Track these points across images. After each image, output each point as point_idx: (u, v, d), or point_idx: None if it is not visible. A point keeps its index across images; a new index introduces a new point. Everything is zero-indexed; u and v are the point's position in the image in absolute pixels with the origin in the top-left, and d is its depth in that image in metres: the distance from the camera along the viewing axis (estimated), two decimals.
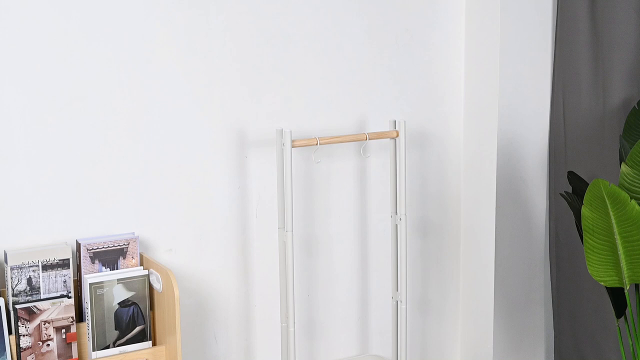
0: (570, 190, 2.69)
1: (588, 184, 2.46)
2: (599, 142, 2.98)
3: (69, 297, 2.39)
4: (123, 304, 2.45)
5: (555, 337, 3.23)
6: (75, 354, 2.40)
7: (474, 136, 3.12)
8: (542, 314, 3.27)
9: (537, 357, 3.30)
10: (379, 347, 3.11)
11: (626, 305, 2.59)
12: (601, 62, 2.96)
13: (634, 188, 2.44)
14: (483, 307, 3.18)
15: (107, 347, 2.44)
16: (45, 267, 2.37)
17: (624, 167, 2.45)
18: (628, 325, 2.61)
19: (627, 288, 2.49)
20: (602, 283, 2.50)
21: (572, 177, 2.66)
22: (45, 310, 2.35)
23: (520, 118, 3.07)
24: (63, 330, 2.38)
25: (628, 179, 2.44)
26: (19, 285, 2.34)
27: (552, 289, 3.21)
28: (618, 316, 2.63)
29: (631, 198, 2.37)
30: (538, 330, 3.28)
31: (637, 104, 2.74)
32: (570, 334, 3.17)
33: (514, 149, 3.08)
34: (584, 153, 3.03)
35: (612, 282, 2.49)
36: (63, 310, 2.37)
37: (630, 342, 2.59)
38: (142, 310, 2.47)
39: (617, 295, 2.61)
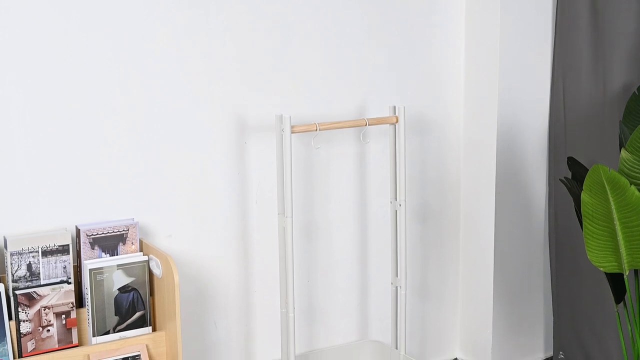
0: (570, 176, 2.69)
1: (588, 170, 2.46)
2: (599, 127, 2.98)
3: (69, 283, 2.40)
4: (123, 289, 2.45)
5: (555, 322, 3.24)
6: (75, 340, 2.40)
7: (473, 122, 3.12)
8: (541, 299, 3.28)
9: (536, 342, 3.31)
10: (378, 332, 3.11)
11: (625, 291, 2.59)
12: (601, 48, 2.95)
13: (634, 174, 2.44)
14: (482, 292, 3.18)
15: (107, 332, 2.44)
16: (45, 253, 2.37)
17: (623, 153, 2.45)
18: (627, 311, 2.61)
19: (627, 274, 2.49)
20: (601, 269, 2.50)
21: (572, 162, 2.66)
22: (45, 296, 2.35)
23: (520, 104, 3.07)
24: (63, 316, 2.38)
25: (628, 164, 2.44)
26: (19, 271, 2.34)
27: (551, 275, 3.22)
28: (617, 302, 2.64)
29: (631, 184, 2.37)
30: (537, 315, 3.29)
31: (637, 89, 2.74)
32: (569, 319, 3.17)
33: (514, 134, 3.08)
34: (584, 139, 3.02)
35: (612, 268, 2.49)
36: (63, 295, 2.38)
37: (630, 328, 2.59)
38: (142, 296, 2.48)
39: (616, 281, 2.61)
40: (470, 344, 3.28)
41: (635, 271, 2.58)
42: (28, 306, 2.33)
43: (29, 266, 2.35)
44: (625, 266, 2.47)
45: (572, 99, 3.04)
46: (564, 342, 3.21)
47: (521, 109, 3.08)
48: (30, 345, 2.34)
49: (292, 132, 2.60)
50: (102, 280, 2.42)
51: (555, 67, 3.09)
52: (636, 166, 2.44)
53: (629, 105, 2.71)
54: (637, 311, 2.59)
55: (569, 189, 2.65)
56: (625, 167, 2.44)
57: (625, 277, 2.52)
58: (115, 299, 2.44)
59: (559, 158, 3.09)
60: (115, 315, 2.45)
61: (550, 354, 3.32)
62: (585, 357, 3.14)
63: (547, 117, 3.13)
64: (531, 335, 3.29)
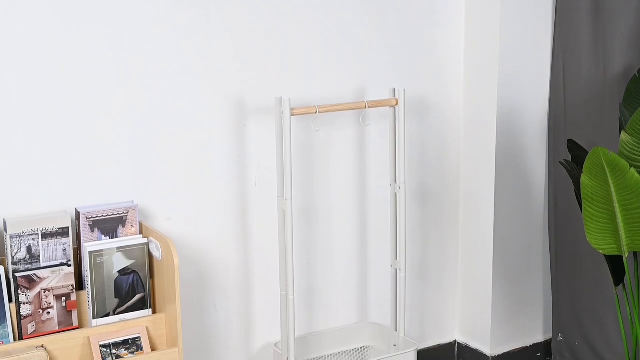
0: (570, 159, 2.68)
1: (588, 152, 2.46)
2: (599, 110, 2.97)
3: (69, 266, 2.40)
4: (123, 272, 2.45)
5: (554, 304, 3.24)
6: (75, 322, 2.41)
7: (473, 104, 3.12)
8: (540, 281, 3.28)
9: (535, 324, 3.31)
10: (378, 315, 3.12)
11: (624, 273, 2.60)
12: (602, 30, 2.94)
13: (634, 156, 2.44)
14: (482, 275, 3.19)
15: (107, 314, 2.45)
16: (45, 236, 2.37)
17: (623, 135, 2.44)
18: (626, 293, 2.62)
19: (626, 256, 2.49)
20: (600, 251, 2.50)
21: (572, 145, 2.66)
22: (45, 278, 2.36)
23: (521, 86, 3.06)
24: (63, 298, 2.38)
25: (628, 147, 2.44)
26: (18, 254, 2.34)
27: (550, 257, 3.22)
28: (616, 284, 2.64)
29: (631, 166, 2.37)
30: (536, 297, 3.29)
31: (638, 71, 2.73)
32: (568, 301, 3.18)
33: (514, 116, 3.07)
34: (584, 121, 3.02)
35: (611, 250, 2.49)
36: (63, 278, 2.38)
37: (629, 310, 2.60)
38: (141, 278, 2.48)
39: (615, 264, 2.62)
40: (469, 327, 3.29)
41: (635, 254, 2.58)
42: (28, 288, 2.34)
43: (29, 249, 2.36)
44: (625, 249, 2.47)
45: (572, 81, 3.04)
46: (563, 324, 3.22)
47: (521, 92, 3.07)
48: (30, 328, 2.35)
49: (291, 115, 2.60)
50: (102, 262, 2.42)
51: (555, 49, 3.08)
52: (636, 149, 2.43)
53: (630, 87, 2.70)
54: (636, 294, 2.60)
55: (568, 172, 2.65)
56: (625, 149, 2.44)
57: (624, 259, 2.52)
58: (115, 281, 2.44)
59: (558, 140, 3.09)
60: (115, 297, 2.45)
61: (549, 336, 3.33)
62: (584, 340, 3.15)
63: (547, 99, 3.12)
64: (530, 318, 3.30)
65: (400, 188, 2.83)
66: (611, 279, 2.66)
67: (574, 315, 3.17)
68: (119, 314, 2.46)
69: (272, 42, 2.76)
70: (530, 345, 3.30)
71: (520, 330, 3.27)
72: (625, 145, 2.44)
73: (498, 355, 3.22)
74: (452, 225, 3.24)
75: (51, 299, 2.37)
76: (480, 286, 3.20)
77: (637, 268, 2.58)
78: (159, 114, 2.61)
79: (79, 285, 2.46)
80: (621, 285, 2.65)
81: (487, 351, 3.22)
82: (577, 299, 3.15)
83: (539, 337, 3.33)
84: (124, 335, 2.43)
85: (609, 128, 2.90)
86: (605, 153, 2.35)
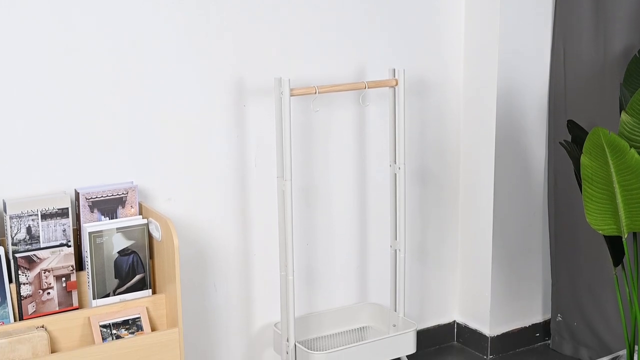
0: (570, 139, 2.68)
1: (588, 133, 2.45)
2: (599, 90, 2.97)
3: (69, 246, 2.40)
4: (122, 252, 2.46)
5: (553, 285, 3.25)
6: (75, 302, 2.42)
7: (473, 84, 3.11)
8: (540, 262, 3.29)
9: (534, 305, 3.32)
10: (377, 295, 3.13)
11: (624, 253, 2.60)
12: (602, 10, 2.93)
13: (634, 137, 2.43)
14: (481, 255, 3.19)
15: (107, 295, 2.45)
16: (45, 216, 2.37)
17: (624, 116, 2.44)
18: (625, 274, 2.62)
19: (625, 237, 2.50)
20: (600, 232, 2.50)
21: (572, 125, 2.65)
22: (45, 259, 2.36)
23: (521, 66, 3.05)
24: (63, 279, 2.39)
25: (628, 127, 2.44)
26: (18, 234, 2.34)
27: (550, 238, 3.23)
28: (615, 265, 2.65)
29: (631, 147, 2.36)
30: (536, 278, 3.30)
31: (638, 52, 2.72)
32: (567, 282, 3.19)
33: (514, 97, 3.06)
34: (584, 101, 3.01)
35: (611, 231, 2.49)
36: (63, 258, 2.38)
37: (628, 291, 2.60)
38: (141, 259, 2.48)
39: (615, 244, 2.62)
40: (468, 307, 3.30)
41: (634, 234, 2.58)
42: (28, 269, 2.34)
43: (29, 229, 2.36)
44: (624, 229, 2.47)
45: (572, 62, 3.03)
46: (562, 305, 3.23)
47: (521, 72, 3.06)
48: (30, 308, 2.35)
49: (291, 95, 2.59)
50: (102, 243, 2.42)
51: (555, 29, 3.07)
52: (636, 129, 2.43)
53: (630, 67, 2.70)
54: (635, 274, 2.60)
55: (568, 152, 2.64)
56: (625, 130, 2.44)
57: (624, 240, 2.52)
58: (115, 262, 2.45)
59: (558, 121, 3.08)
60: (115, 278, 2.45)
61: (548, 316, 3.34)
62: (583, 320, 3.16)
63: (547, 79, 3.12)
64: (529, 298, 3.30)
65: (399, 169, 2.83)
66: (610, 259, 2.67)
67: (573, 296, 3.18)
68: (119, 294, 2.46)
69: (272, 22, 2.75)
70: (529, 326, 3.31)
71: (519, 310, 3.28)
72: (625, 126, 2.44)
73: (497, 336, 3.23)
74: (452, 205, 3.24)
75: (51, 280, 2.37)
76: (480, 267, 3.20)
77: (637, 249, 2.59)
78: (158, 95, 2.61)
79: (79, 265, 2.46)
80: (620, 266, 2.65)
81: (487, 331, 3.23)
82: (576, 280, 3.16)
83: (538, 318, 3.34)
84: (124, 316, 2.44)
85: (609, 108, 2.90)
86: (605, 133, 2.35)
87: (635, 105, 2.41)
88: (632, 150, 2.35)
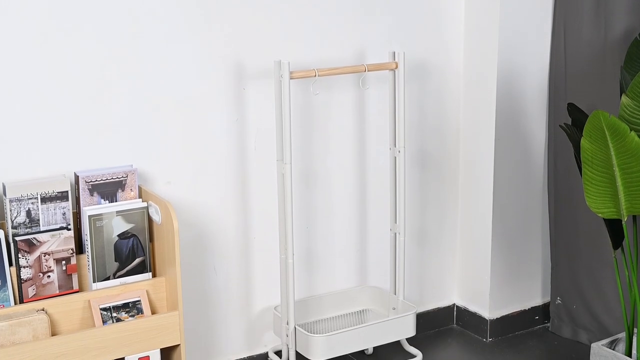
0: (570, 122, 2.68)
1: (588, 116, 2.45)
2: (600, 73, 2.96)
3: (69, 229, 2.40)
4: (122, 235, 2.46)
5: (552, 268, 3.26)
6: (76, 285, 2.42)
7: (473, 67, 3.10)
8: (539, 245, 3.29)
9: (533, 288, 3.33)
10: (377, 278, 3.13)
11: (623, 236, 2.60)
12: None
13: (634, 120, 2.43)
14: (481, 239, 3.19)
15: (108, 278, 2.46)
16: (44, 200, 2.37)
17: (624, 99, 2.44)
18: (625, 257, 2.62)
19: (625, 219, 2.50)
20: (600, 215, 2.51)
21: (572, 108, 2.65)
22: (45, 242, 2.36)
23: (521, 49, 3.05)
24: (63, 262, 2.39)
25: (628, 110, 2.43)
26: (18, 218, 2.34)
27: (549, 221, 3.23)
28: (615, 247, 2.65)
29: (631, 130, 2.36)
30: (535, 261, 3.30)
31: (639, 35, 2.71)
32: (567, 265, 3.19)
33: (514, 79, 3.06)
34: (584, 84, 3.01)
35: (610, 214, 2.50)
36: (63, 242, 2.38)
37: (627, 273, 2.61)
38: (141, 242, 2.48)
39: (614, 227, 2.62)
40: (468, 290, 3.30)
41: (634, 217, 2.58)
42: (28, 252, 2.34)
43: (28, 213, 2.36)
44: (624, 212, 2.47)
45: (573, 44, 3.02)
46: (561, 288, 3.23)
47: (522, 55, 3.05)
48: (31, 291, 2.36)
49: (290, 78, 2.59)
50: (102, 226, 2.42)
51: (556, 11, 3.06)
52: (636, 112, 2.43)
53: (630, 50, 2.69)
54: (634, 257, 2.61)
55: (568, 135, 2.64)
56: (625, 113, 2.44)
57: (623, 223, 2.53)
58: (115, 245, 2.45)
59: (559, 104, 3.08)
60: (115, 261, 2.46)
61: (547, 299, 3.35)
62: (583, 303, 3.17)
63: (547, 62, 3.11)
64: (529, 281, 3.31)
65: (399, 152, 2.83)
66: (610, 242, 2.67)
67: (573, 279, 3.18)
68: (119, 277, 2.47)
69: (272, 5, 2.74)
70: (528, 309, 3.32)
71: (518, 293, 3.29)
72: (625, 109, 2.43)
73: (496, 319, 3.24)
74: (452, 189, 3.24)
75: (51, 263, 2.37)
76: (480, 250, 3.21)
77: (636, 231, 2.59)
78: (158, 78, 2.60)
79: (79, 249, 2.46)
80: (620, 249, 2.66)
81: (486, 314, 3.24)
82: (575, 263, 3.16)
83: (537, 301, 3.35)
84: (124, 299, 2.44)
85: (610, 91, 2.89)
86: (605, 116, 2.34)
87: (636, 88, 2.40)
88: (632, 133, 2.35)
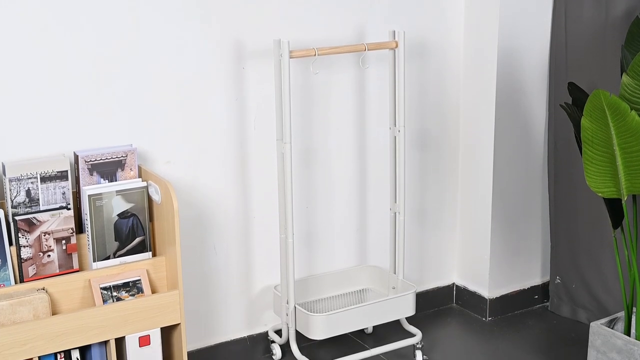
0: (570, 102, 2.67)
1: (588, 95, 2.44)
2: (600, 52, 2.95)
3: (68, 209, 2.40)
4: (122, 215, 2.46)
5: (552, 247, 3.26)
6: (76, 265, 2.42)
7: (474, 46, 3.09)
8: (539, 225, 3.29)
9: (533, 267, 3.33)
10: (377, 258, 3.14)
11: (623, 216, 2.60)
12: None
13: (635, 99, 2.42)
14: (481, 218, 3.19)
15: (108, 257, 2.46)
16: (44, 179, 2.37)
17: (625, 78, 2.43)
18: (624, 236, 2.63)
19: (625, 199, 2.50)
20: (599, 194, 2.51)
21: (573, 87, 2.64)
22: (45, 221, 2.36)
23: (522, 28, 3.03)
24: (63, 242, 2.39)
25: (629, 89, 2.43)
26: (17, 197, 2.34)
27: (549, 201, 3.23)
28: (615, 227, 2.65)
29: (631, 109, 2.36)
30: (535, 241, 3.31)
31: None
32: (566, 244, 3.20)
33: (514, 59, 3.05)
34: (585, 63, 3.00)
35: (610, 193, 2.49)
36: (63, 221, 2.38)
37: (626, 253, 2.61)
38: (141, 221, 2.48)
39: (614, 207, 2.62)
40: (468, 270, 3.31)
41: (634, 196, 2.58)
42: (28, 232, 2.34)
43: (28, 192, 2.36)
44: (624, 191, 2.47)
45: (573, 23, 3.00)
46: (560, 267, 3.24)
47: (522, 33, 3.04)
48: (31, 270, 2.36)
49: (290, 57, 2.58)
50: (102, 206, 2.42)
51: None
52: (637, 91, 2.42)
53: (632, 29, 2.68)
54: (634, 236, 2.61)
55: (569, 115, 2.63)
56: (626, 92, 2.43)
57: (623, 202, 2.53)
58: (115, 224, 2.45)
59: (559, 83, 3.07)
60: (115, 240, 2.46)
61: (547, 279, 3.36)
62: (582, 282, 3.17)
63: (548, 41, 3.10)
64: (528, 261, 3.32)
65: (399, 131, 2.82)
66: (610, 222, 2.67)
67: (572, 259, 3.19)
68: (119, 257, 2.47)
69: None
70: (528, 288, 3.32)
71: (518, 273, 3.30)
72: (626, 88, 2.43)
73: (496, 298, 3.25)
74: (452, 168, 3.24)
75: (51, 242, 2.37)
76: (479, 229, 3.21)
77: (636, 211, 2.59)
78: (157, 57, 2.59)
79: (79, 228, 2.46)
80: (619, 229, 2.66)
81: (485, 294, 3.24)
82: (575, 242, 3.16)
83: (536, 280, 3.35)
84: (124, 278, 2.45)
85: (610, 70, 2.88)
86: (606, 96, 2.34)
87: (637, 67, 2.40)
88: (633, 112, 2.34)
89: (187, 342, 2.70)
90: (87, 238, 2.43)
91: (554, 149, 3.15)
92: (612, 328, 2.70)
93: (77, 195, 2.46)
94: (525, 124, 3.15)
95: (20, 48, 2.39)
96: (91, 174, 2.45)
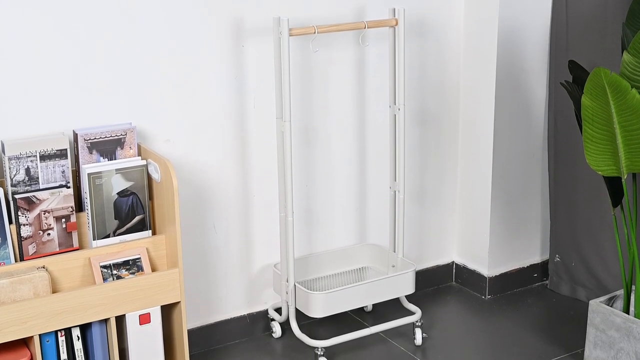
0: (571, 80, 2.66)
1: (589, 73, 2.43)
2: (601, 30, 2.94)
3: (68, 187, 2.40)
4: (122, 193, 2.46)
5: (551, 226, 3.26)
6: (76, 243, 2.42)
7: (474, 24, 3.08)
8: (539, 203, 3.30)
9: (532, 245, 3.34)
10: (376, 236, 3.14)
11: (623, 194, 2.60)
12: None
13: (635, 77, 2.42)
14: (480, 196, 3.20)
15: (108, 236, 2.46)
16: (43, 158, 2.37)
17: (625, 56, 2.42)
18: (624, 214, 2.63)
19: (625, 177, 2.50)
20: (599, 172, 2.50)
21: (573, 66, 2.63)
22: (44, 200, 2.36)
23: (522, 5, 3.02)
24: (63, 220, 2.39)
25: (629, 67, 2.42)
26: (17, 176, 2.34)
27: (549, 179, 3.23)
28: (614, 205, 2.65)
29: (632, 87, 2.35)
30: (534, 219, 3.31)
31: None
32: (566, 223, 3.20)
33: (515, 36, 3.04)
34: (586, 41, 2.99)
35: (610, 172, 2.49)
36: (62, 200, 2.38)
37: (626, 231, 2.61)
38: (141, 200, 2.48)
39: (614, 185, 2.62)
40: (467, 248, 3.32)
41: (634, 175, 2.58)
42: (28, 210, 2.34)
43: (27, 170, 2.35)
44: (624, 170, 2.47)
45: (574, 1, 2.99)
46: (560, 245, 3.24)
47: (523, 11, 3.03)
48: (31, 249, 2.36)
49: (290, 35, 2.57)
50: (101, 184, 2.42)
51: None
52: (638, 69, 2.41)
53: (633, 7, 2.66)
54: (633, 215, 2.61)
55: (569, 93, 2.63)
56: (627, 70, 2.42)
57: (623, 180, 2.52)
58: (115, 203, 2.45)
59: (560, 61, 3.06)
60: (115, 219, 2.46)
61: (546, 257, 3.36)
62: (581, 260, 3.18)
63: (549, 19, 3.08)
64: (528, 239, 3.32)
65: (399, 110, 2.82)
66: (609, 200, 2.67)
67: (572, 237, 3.19)
68: (119, 235, 2.47)
69: None
70: (527, 266, 3.33)
71: (517, 251, 3.30)
72: (627, 66, 2.42)
73: (495, 276, 3.26)
74: (451, 147, 3.23)
75: (51, 221, 2.38)
76: (479, 208, 3.21)
77: (636, 189, 2.59)
78: (156, 35, 2.58)
79: (79, 207, 2.46)
80: (619, 207, 2.66)
81: (485, 272, 3.25)
82: (574, 221, 3.17)
83: (536, 258, 3.36)
84: (124, 256, 2.45)
85: (611, 48, 2.87)
86: (606, 74, 2.33)
87: (637, 45, 2.39)
88: (634, 90, 2.34)
89: (187, 320, 2.70)
90: (86, 216, 2.43)
91: (554, 127, 3.15)
92: (611, 306, 2.70)
93: (76, 174, 2.46)
94: (525, 102, 3.14)
95: (18, 25, 2.38)
96: (90, 153, 2.45)
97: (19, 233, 2.34)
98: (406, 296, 3.01)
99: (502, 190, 3.19)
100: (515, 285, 3.31)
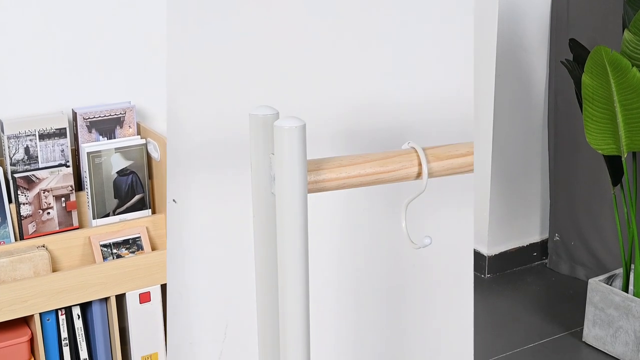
0: (572, 58, 2.65)
1: (589, 52, 2.43)
2: (602, 8, 2.92)
3: (67, 166, 2.40)
4: (121, 172, 2.46)
5: (551, 205, 3.26)
6: (75, 222, 2.43)
7: (474, 2, 3.06)
8: (538, 182, 3.30)
9: (532, 224, 3.34)
10: None
11: (623, 173, 2.60)
12: None
13: (636, 55, 2.41)
14: (480, 175, 3.19)
15: (107, 215, 2.46)
16: (42, 137, 2.36)
17: (626, 34, 2.41)
18: (624, 193, 2.63)
19: (625, 156, 2.49)
20: (599, 151, 2.50)
21: (574, 44, 2.62)
22: (44, 179, 2.36)
23: None
24: (63, 199, 2.39)
25: (630, 46, 2.41)
26: (16, 155, 2.34)
27: (549, 158, 3.23)
28: (614, 184, 2.65)
29: (633, 65, 2.34)
30: (534, 198, 3.31)
31: None
32: (565, 201, 3.20)
33: (516, 14, 3.02)
34: (587, 19, 2.97)
35: (610, 151, 2.49)
36: (62, 179, 2.38)
37: (625, 210, 2.62)
38: (140, 179, 2.48)
39: (614, 164, 2.62)
40: None
41: (634, 154, 2.58)
42: (27, 189, 2.34)
43: (27, 149, 2.35)
44: (624, 149, 2.47)
45: None
46: (559, 224, 3.25)
47: None
48: (31, 228, 2.37)
49: None
50: (101, 163, 2.42)
51: None
52: (638, 48, 2.40)
53: None
54: (633, 194, 2.61)
55: (570, 71, 2.62)
56: (627, 48, 2.41)
57: (623, 159, 2.52)
58: (114, 182, 2.45)
59: (560, 39, 3.05)
60: (115, 198, 2.46)
61: (545, 236, 3.36)
62: (581, 239, 3.18)
63: None
64: (527, 218, 3.32)
65: None
66: (609, 179, 2.67)
67: (571, 216, 3.19)
68: (118, 214, 2.47)
69: None
70: (526, 245, 3.34)
71: (517, 230, 3.30)
72: (627, 44, 2.41)
73: (495, 255, 3.26)
74: None
75: (51, 200, 2.38)
76: (479, 186, 3.21)
77: (636, 168, 2.59)
78: (154, 13, 2.57)
79: (78, 186, 2.46)
80: (619, 186, 2.66)
81: (484, 251, 3.26)
82: (574, 200, 3.17)
83: (535, 237, 3.36)
84: (124, 235, 2.45)
85: (612, 27, 2.86)
86: (607, 52, 2.32)
87: (638, 24, 2.38)
88: (634, 69, 2.33)
89: None
90: (86, 195, 2.43)
91: (554, 106, 3.14)
92: (610, 285, 2.71)
93: (75, 153, 2.45)
94: (525, 80, 3.13)
95: (17, 4, 2.37)
96: (90, 132, 2.44)
97: (18, 212, 2.34)
98: None
99: (502, 169, 3.19)
100: (515, 264, 3.32)
